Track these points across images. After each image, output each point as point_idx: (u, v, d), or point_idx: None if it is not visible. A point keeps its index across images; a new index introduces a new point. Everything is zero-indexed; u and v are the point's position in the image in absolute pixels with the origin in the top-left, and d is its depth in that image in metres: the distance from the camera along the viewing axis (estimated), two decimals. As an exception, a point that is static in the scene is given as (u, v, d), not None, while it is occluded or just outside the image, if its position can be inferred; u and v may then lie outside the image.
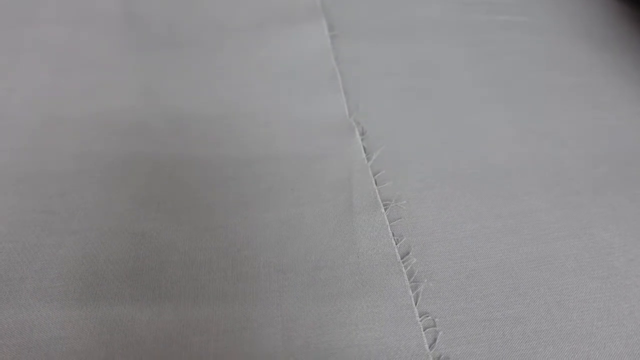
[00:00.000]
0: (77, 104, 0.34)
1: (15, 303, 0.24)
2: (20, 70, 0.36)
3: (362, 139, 0.31)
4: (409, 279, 0.25)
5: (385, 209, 0.28)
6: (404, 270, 0.25)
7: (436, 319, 0.25)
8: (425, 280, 0.26)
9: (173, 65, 0.36)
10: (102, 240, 0.26)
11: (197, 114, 0.33)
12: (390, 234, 0.27)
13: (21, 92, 0.35)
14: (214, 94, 0.34)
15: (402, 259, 0.26)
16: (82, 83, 0.35)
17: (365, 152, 0.31)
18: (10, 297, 0.24)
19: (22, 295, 0.24)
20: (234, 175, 0.29)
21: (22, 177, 0.30)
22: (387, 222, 0.27)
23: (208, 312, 0.24)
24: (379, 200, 0.28)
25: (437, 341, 0.24)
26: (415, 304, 0.25)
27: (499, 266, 0.28)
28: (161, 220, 0.27)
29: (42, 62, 0.36)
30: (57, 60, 0.37)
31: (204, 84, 0.35)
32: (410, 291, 0.25)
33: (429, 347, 0.23)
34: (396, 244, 0.26)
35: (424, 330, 0.24)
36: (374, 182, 0.30)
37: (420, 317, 0.24)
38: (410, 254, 0.27)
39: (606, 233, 0.30)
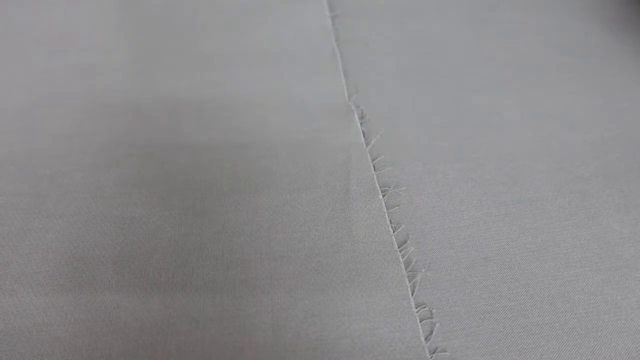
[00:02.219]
0: (69, 85, 0.33)
1: (-1, 288, 0.23)
2: (12, 52, 0.35)
3: (361, 123, 0.30)
4: (405, 269, 0.24)
5: (384, 195, 0.27)
6: (400, 259, 0.24)
7: (433, 310, 0.24)
8: (423, 270, 0.25)
9: (168, 46, 0.35)
10: (90, 224, 0.26)
11: (192, 97, 0.32)
12: (388, 222, 0.25)
13: (12, 73, 0.34)
14: (208, 76, 0.33)
15: (399, 247, 0.25)
16: (75, 64, 0.34)
17: (364, 136, 0.30)
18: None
19: (7, 281, 0.24)
20: (227, 159, 0.28)
21: (12, 159, 0.29)
22: (385, 209, 0.26)
23: (197, 300, 0.23)
24: (377, 186, 0.27)
25: (434, 333, 0.23)
26: (412, 295, 0.23)
27: (501, 256, 0.27)
28: (151, 204, 0.26)
29: (35, 43, 0.35)
30: (49, 41, 0.36)
31: (199, 65, 0.33)
32: (407, 281, 0.24)
33: (425, 339, 0.22)
34: (393, 232, 0.25)
35: (420, 322, 0.23)
36: (372, 167, 0.28)
37: (416, 307, 0.23)
38: (408, 242, 0.26)
39: (615, 223, 0.28)
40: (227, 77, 0.33)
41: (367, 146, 0.30)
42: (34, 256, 0.24)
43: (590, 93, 0.34)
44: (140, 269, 0.24)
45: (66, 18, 0.37)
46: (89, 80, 0.33)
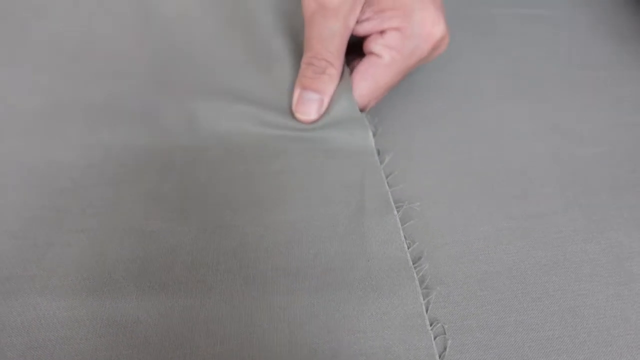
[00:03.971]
0: (87, 91, 0.33)
1: (23, 301, 0.24)
2: (33, 60, 0.36)
3: (374, 137, 0.30)
4: (420, 285, 0.25)
5: (398, 211, 0.28)
6: (415, 276, 0.25)
7: (446, 326, 0.24)
8: (438, 288, 0.25)
9: (189, 59, 0.35)
10: (111, 239, 0.26)
11: (210, 105, 0.32)
12: (402, 238, 0.26)
13: (32, 79, 0.34)
14: (228, 84, 0.33)
15: (414, 264, 0.25)
16: (94, 71, 0.35)
17: (378, 153, 0.30)
18: (18, 296, 0.24)
19: (31, 295, 0.24)
20: (245, 172, 0.29)
21: (32, 168, 0.29)
22: (399, 226, 0.27)
23: (215, 315, 0.24)
24: (392, 202, 0.28)
25: (447, 350, 0.23)
26: (427, 312, 0.24)
27: (511, 270, 0.27)
28: (170, 219, 0.27)
29: (56, 53, 0.36)
30: (70, 50, 0.36)
31: (219, 75, 0.33)
32: (422, 298, 0.24)
33: (439, 357, 0.23)
34: (408, 248, 0.26)
35: (434, 339, 0.23)
36: (386, 183, 0.29)
37: (430, 324, 0.24)
38: (422, 259, 0.26)
39: (625, 237, 0.29)
40: (245, 86, 0.33)
41: (381, 163, 0.30)
42: (58, 270, 0.25)
43: (600, 106, 0.35)
44: (160, 283, 0.24)
45: (89, 30, 0.37)
46: (107, 87, 0.34)
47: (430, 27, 0.25)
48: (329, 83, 0.26)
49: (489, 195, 0.30)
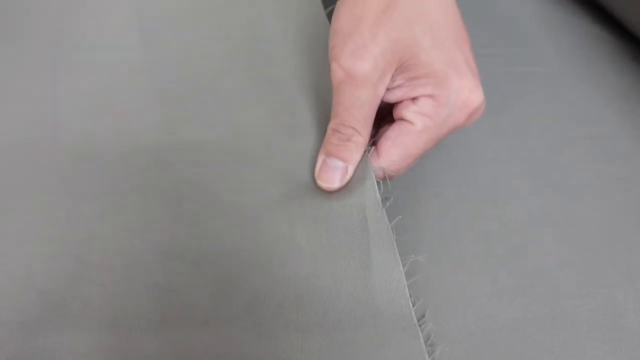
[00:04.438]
0: (104, 143, 0.34)
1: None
2: (51, 115, 0.37)
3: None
4: (425, 343, 0.26)
5: (404, 265, 0.28)
6: (420, 334, 0.26)
7: (450, 383, 0.26)
8: (442, 345, 0.27)
9: (208, 123, 0.35)
10: (130, 293, 0.27)
11: (222, 152, 0.32)
12: (408, 295, 0.27)
13: (50, 131, 0.35)
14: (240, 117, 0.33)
15: (418, 321, 0.26)
16: (109, 124, 0.35)
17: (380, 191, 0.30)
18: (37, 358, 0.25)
19: (48, 352, 0.25)
20: (255, 220, 0.30)
21: (54, 222, 0.31)
22: (405, 282, 0.28)
23: (230, 371, 0.25)
24: (398, 256, 0.27)
25: (452, 408, 0.25)
26: (432, 370, 0.25)
27: (512, 327, 0.28)
28: (185, 273, 0.28)
29: (73, 108, 0.37)
30: (87, 105, 0.37)
31: (233, 123, 0.34)
32: (427, 356, 0.25)
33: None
34: (413, 306, 0.27)
35: (437, 398, 0.24)
36: (391, 232, 0.28)
37: (434, 382, 0.25)
38: (427, 315, 0.27)
39: (620, 293, 0.30)
40: (255, 129, 0.33)
41: (384, 205, 0.29)
42: (81, 323, 0.26)
43: (594, 161, 0.37)
44: (179, 340, 0.26)
45: (105, 85, 0.38)
46: (122, 138, 0.34)
47: (467, 95, 0.24)
48: (355, 151, 0.26)
49: (489, 252, 0.32)
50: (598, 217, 0.33)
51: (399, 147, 0.25)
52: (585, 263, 0.31)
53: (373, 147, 0.27)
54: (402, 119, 0.25)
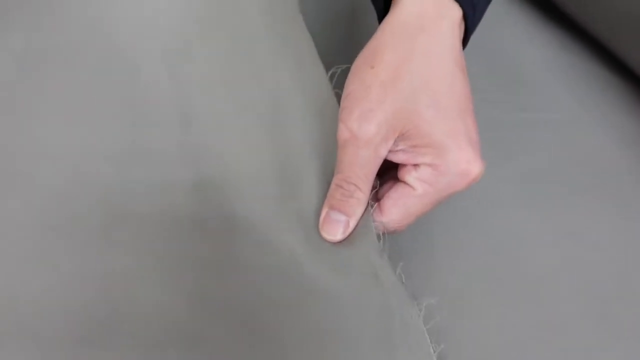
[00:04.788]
0: (138, 202, 0.35)
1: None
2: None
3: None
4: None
5: (420, 310, 0.28)
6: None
7: None
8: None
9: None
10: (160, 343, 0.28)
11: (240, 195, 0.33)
12: (428, 341, 0.26)
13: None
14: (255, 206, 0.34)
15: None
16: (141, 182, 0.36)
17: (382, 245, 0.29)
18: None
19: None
20: (278, 267, 0.29)
21: (90, 276, 0.31)
22: (423, 327, 0.27)
23: None
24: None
25: None
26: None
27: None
28: (215, 324, 0.28)
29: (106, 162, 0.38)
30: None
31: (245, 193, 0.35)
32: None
33: None
34: (434, 352, 0.27)
35: None
36: (400, 281, 0.28)
37: None
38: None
39: (637, 346, 0.30)
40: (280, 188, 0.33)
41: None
42: None
43: (608, 211, 0.37)
44: None
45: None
46: (155, 196, 0.35)
47: (465, 165, 0.25)
48: (357, 206, 0.27)
49: (508, 302, 0.32)
50: (613, 268, 0.33)
51: (399, 208, 0.27)
52: (604, 316, 0.31)
53: (376, 204, 0.28)
54: (403, 182, 0.26)
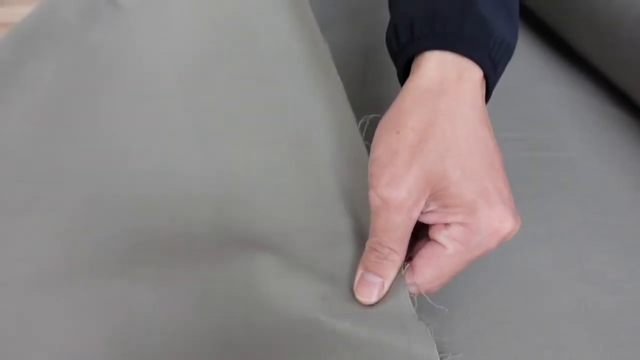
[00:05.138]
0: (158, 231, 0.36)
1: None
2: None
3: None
4: None
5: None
6: None
7: None
8: None
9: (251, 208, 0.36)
10: None
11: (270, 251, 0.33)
12: None
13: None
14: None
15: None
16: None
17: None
18: None
19: None
20: (301, 322, 0.29)
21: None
22: None
23: None
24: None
25: None
26: None
27: None
28: None
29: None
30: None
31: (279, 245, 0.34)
32: None
33: None
34: None
35: None
36: (430, 336, 0.27)
37: None
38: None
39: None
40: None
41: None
42: None
43: (622, 252, 0.37)
44: None
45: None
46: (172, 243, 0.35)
47: (497, 224, 0.25)
48: (391, 269, 0.27)
49: (522, 347, 0.32)
50: (629, 311, 0.34)
51: (432, 267, 0.27)
52: (621, 358, 0.31)
53: (408, 265, 0.28)
54: (435, 241, 0.27)
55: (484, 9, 0.26)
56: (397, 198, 0.25)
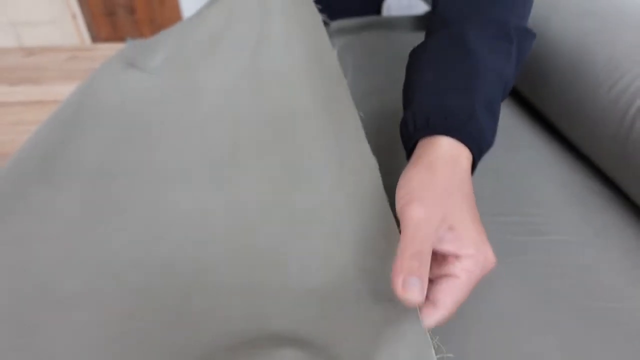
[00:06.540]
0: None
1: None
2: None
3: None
4: None
5: None
6: None
7: None
8: None
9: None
10: None
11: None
12: None
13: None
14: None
15: None
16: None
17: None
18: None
19: None
20: None
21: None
22: None
23: None
24: None
25: None
26: None
27: None
28: None
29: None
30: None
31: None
32: None
33: None
34: None
35: None
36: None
37: None
38: None
39: None
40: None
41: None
42: None
43: (627, 338, 0.38)
44: None
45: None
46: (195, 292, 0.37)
47: (491, 255, 0.32)
48: (426, 272, 0.32)
49: None
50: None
51: (452, 297, 0.32)
52: None
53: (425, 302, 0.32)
54: (450, 274, 0.32)
55: (482, 119, 0.37)
56: (436, 216, 0.32)
